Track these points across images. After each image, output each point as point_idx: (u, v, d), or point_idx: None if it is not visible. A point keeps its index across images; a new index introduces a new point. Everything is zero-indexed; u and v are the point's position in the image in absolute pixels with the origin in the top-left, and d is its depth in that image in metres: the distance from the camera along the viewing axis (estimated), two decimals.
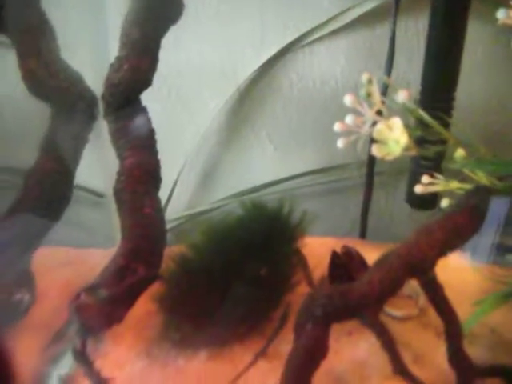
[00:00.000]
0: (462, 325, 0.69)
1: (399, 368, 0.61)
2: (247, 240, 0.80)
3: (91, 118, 0.89)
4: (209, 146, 1.18)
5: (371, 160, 1.09)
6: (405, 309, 0.82)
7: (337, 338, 0.77)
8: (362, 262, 0.84)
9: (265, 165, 1.19)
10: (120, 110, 0.85)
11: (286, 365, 0.63)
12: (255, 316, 0.77)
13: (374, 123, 0.70)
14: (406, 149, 0.70)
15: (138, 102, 0.86)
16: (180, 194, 1.19)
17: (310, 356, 0.63)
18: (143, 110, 0.86)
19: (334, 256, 0.84)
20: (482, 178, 0.77)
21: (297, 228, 0.86)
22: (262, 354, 0.70)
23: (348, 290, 0.65)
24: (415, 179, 0.86)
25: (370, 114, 0.69)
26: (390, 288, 0.65)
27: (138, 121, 0.85)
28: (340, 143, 0.71)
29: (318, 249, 0.90)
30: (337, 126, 0.70)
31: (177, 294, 0.76)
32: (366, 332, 0.78)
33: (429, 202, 0.93)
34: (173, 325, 0.77)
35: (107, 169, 1.14)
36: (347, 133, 0.70)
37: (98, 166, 1.14)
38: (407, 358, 0.74)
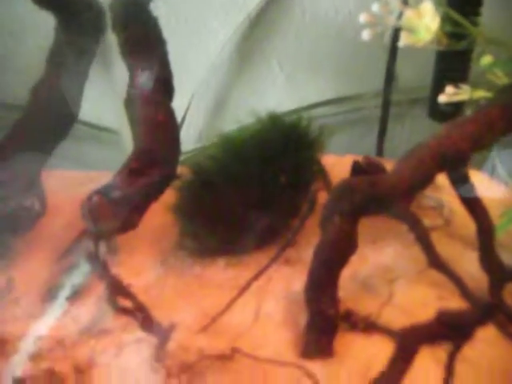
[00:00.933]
0: (493, 223, 0.66)
1: (434, 261, 0.58)
2: (265, 150, 0.77)
3: (99, 30, 0.85)
4: (219, 76, 1.14)
5: (387, 89, 1.06)
6: (430, 219, 0.79)
7: (361, 246, 0.74)
8: (383, 171, 0.81)
9: (276, 94, 1.15)
10: (129, 20, 0.81)
11: (312, 260, 0.60)
12: (275, 223, 0.74)
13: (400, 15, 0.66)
14: (437, 39, 0.67)
15: (148, 11, 0.82)
16: (189, 126, 1.16)
17: (337, 250, 0.60)
18: (154, 20, 0.82)
19: (356, 165, 0.80)
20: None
21: (315, 139, 0.82)
22: (280, 254, 0.67)
23: (377, 180, 0.61)
24: (438, 90, 0.83)
25: (396, 3, 0.65)
26: (420, 179, 0.62)
27: (149, 30, 0.81)
28: (365, 35, 0.68)
29: (336, 166, 0.87)
30: (362, 17, 0.66)
31: (193, 203, 0.73)
32: (390, 239, 0.76)
33: (451, 114, 0.89)
34: (189, 233, 0.73)
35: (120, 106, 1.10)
36: (373, 24, 0.67)
37: (109, 102, 1.10)
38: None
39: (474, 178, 0.86)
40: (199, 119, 1.16)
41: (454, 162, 0.63)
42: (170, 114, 0.77)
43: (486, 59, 0.75)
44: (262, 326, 0.61)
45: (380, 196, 0.60)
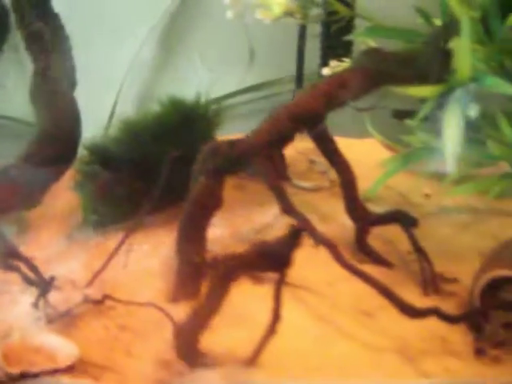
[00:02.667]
0: (355, 175, 0.73)
1: (286, 208, 0.64)
2: (162, 131, 0.83)
3: (4, 29, 0.92)
4: (144, 69, 1.21)
5: (299, 72, 1.12)
6: (317, 181, 0.86)
7: (248, 209, 0.80)
8: None
9: (199, 86, 1.22)
10: (31, 18, 0.88)
11: (181, 217, 0.67)
12: (167, 195, 0.80)
13: None
14: (290, 11, 0.74)
15: (50, 8, 0.89)
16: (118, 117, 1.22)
17: (202, 206, 0.66)
18: (55, 16, 0.89)
19: None
20: None
21: (212, 121, 0.89)
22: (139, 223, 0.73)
23: (236, 142, 0.68)
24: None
25: None
26: (277, 137, 0.68)
27: (51, 26, 0.88)
28: (229, 14, 0.75)
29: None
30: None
31: (92, 181, 0.79)
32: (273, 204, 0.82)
33: None
34: (91, 209, 0.80)
35: None
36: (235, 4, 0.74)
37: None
38: (315, 218, 0.79)
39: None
40: (127, 110, 1.23)
41: (310, 120, 0.69)
42: (71, 102, 0.84)
43: (358, 33, 0.82)
44: (142, 280, 0.68)
45: (240, 155, 0.67)
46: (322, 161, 0.90)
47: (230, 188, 0.84)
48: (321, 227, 0.76)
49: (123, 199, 0.78)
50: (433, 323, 0.58)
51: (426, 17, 0.77)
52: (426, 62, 0.70)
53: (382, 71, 0.73)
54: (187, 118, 0.86)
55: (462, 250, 0.75)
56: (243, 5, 0.73)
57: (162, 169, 0.71)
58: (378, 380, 0.55)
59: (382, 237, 0.75)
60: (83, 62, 1.13)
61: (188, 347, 0.52)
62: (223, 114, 0.90)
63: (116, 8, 1.17)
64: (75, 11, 1.11)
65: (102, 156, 0.81)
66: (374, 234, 0.74)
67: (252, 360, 0.53)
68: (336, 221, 0.76)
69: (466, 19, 0.62)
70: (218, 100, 1.17)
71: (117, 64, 1.20)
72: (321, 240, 0.60)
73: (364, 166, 0.85)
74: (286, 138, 0.69)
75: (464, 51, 0.63)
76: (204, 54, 1.20)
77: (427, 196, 0.86)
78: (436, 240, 0.77)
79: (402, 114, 0.85)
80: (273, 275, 0.58)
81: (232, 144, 0.68)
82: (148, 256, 0.73)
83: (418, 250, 0.69)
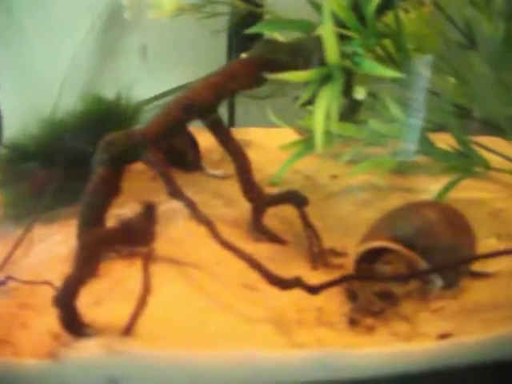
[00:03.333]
0: (249, 159, 0.77)
1: (173, 192, 0.69)
2: (83, 128, 0.88)
3: None
4: (83, 68, 1.25)
5: None
6: (229, 169, 0.90)
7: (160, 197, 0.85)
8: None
9: (139, 83, 1.26)
10: None
11: (80, 206, 0.72)
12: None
13: None
14: (184, 9, 0.78)
15: None
16: None
17: (99, 195, 0.71)
18: None
19: None
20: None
21: (132, 116, 0.93)
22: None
23: (132, 132, 0.72)
24: None
25: None
26: (167, 127, 0.72)
27: None
28: (127, 15, 0.79)
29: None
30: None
31: (10, 176, 0.84)
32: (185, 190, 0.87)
33: None
34: (10, 203, 0.84)
35: None
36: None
37: None
38: (220, 203, 0.83)
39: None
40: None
41: (201, 111, 0.74)
42: None
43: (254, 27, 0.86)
44: (49, 264, 0.72)
45: (134, 145, 0.71)
46: None
47: (147, 179, 0.90)
48: (224, 210, 0.82)
49: (40, 193, 0.83)
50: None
51: (318, 7, 0.81)
52: (310, 49, 0.75)
53: (272, 60, 0.77)
54: (107, 115, 0.91)
55: (359, 225, 0.79)
56: (139, 5, 0.77)
57: (62, 162, 0.75)
58: (247, 349, 0.58)
59: (280, 216, 0.79)
60: (23, 62, 1.18)
61: (69, 319, 0.56)
62: (143, 111, 0.95)
63: (54, 7, 1.21)
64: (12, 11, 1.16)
65: (22, 154, 0.86)
66: (272, 214, 0.79)
67: (128, 330, 0.57)
68: (240, 205, 0.80)
69: (326, 6, 0.66)
70: (156, 98, 1.22)
71: (56, 64, 1.24)
72: (201, 219, 0.65)
73: (278, 153, 0.91)
74: (177, 129, 0.73)
75: (329, 37, 0.68)
76: (143, 53, 1.24)
77: (333, 177, 0.90)
78: (337, 217, 0.82)
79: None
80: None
81: (127, 135, 0.72)
82: (59, 245, 0.77)
83: (308, 226, 0.74)
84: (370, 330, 0.62)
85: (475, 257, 0.66)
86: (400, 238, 0.66)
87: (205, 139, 0.89)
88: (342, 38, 0.74)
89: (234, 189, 0.87)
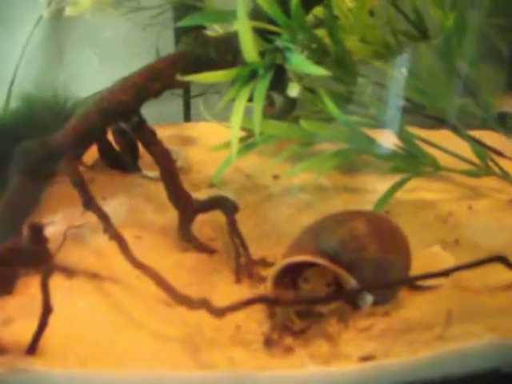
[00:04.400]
0: (174, 163, 0.73)
1: (87, 202, 0.65)
2: (18, 126, 0.84)
3: None
4: (34, 64, 1.20)
5: None
6: None
7: None
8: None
9: (92, 76, 1.21)
10: None
11: None
12: None
13: None
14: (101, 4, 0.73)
15: None
16: None
17: (16, 204, 0.67)
18: None
19: None
20: None
21: (71, 113, 0.89)
22: None
23: (47, 141, 0.68)
24: None
25: None
26: (84, 133, 0.68)
27: None
28: (45, 13, 0.74)
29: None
30: None
31: None
32: (119, 194, 0.83)
33: None
34: None
35: None
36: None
37: None
38: (151, 208, 0.79)
39: None
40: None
41: (119, 114, 0.69)
42: None
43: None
44: None
45: (49, 154, 0.67)
46: (177, 149, 0.91)
47: None
48: (154, 217, 0.78)
49: None
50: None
51: None
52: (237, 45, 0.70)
53: (199, 57, 0.72)
54: (43, 113, 0.87)
55: (294, 231, 0.74)
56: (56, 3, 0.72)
57: None
58: (152, 369, 0.55)
59: (211, 222, 0.75)
60: None
61: None
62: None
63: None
64: None
65: None
66: (203, 220, 0.75)
67: (31, 349, 0.54)
68: (171, 211, 0.76)
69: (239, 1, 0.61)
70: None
71: (6, 57, 1.20)
72: (111, 233, 0.61)
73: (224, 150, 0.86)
74: (94, 135, 0.69)
75: (244, 32, 0.62)
76: (96, 47, 1.19)
77: (276, 177, 0.86)
78: (273, 222, 0.78)
79: None
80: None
81: (42, 143, 0.68)
82: None
83: (235, 235, 0.70)
84: (288, 350, 0.57)
85: (400, 281, 0.62)
86: (325, 251, 0.62)
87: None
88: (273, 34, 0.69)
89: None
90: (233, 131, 0.66)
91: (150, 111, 1.18)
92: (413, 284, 0.65)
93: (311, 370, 0.55)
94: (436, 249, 0.71)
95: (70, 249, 0.70)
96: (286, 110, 0.79)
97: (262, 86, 0.66)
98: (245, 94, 0.64)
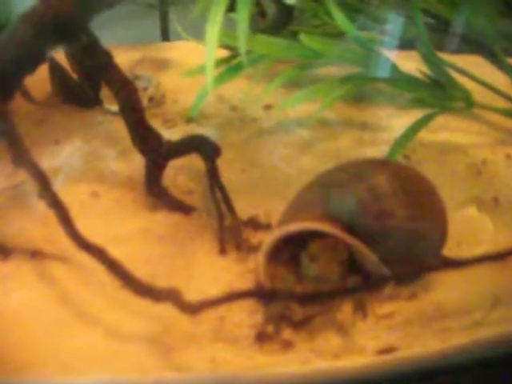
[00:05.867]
0: (137, 94, 0.56)
1: (18, 157, 0.49)
2: None
3: None
4: None
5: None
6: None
7: (42, 148, 0.64)
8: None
9: None
10: None
11: None
12: None
13: None
14: None
15: None
16: None
17: None
18: None
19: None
20: None
21: None
22: None
23: None
24: None
25: None
26: (13, 61, 0.51)
27: None
28: None
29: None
30: None
31: None
32: (74, 137, 0.67)
33: None
34: None
35: None
36: None
37: None
38: (113, 152, 0.64)
39: None
40: None
41: (59, 30, 0.52)
42: None
43: None
44: None
45: None
46: (149, 75, 0.74)
47: (34, 123, 0.69)
48: (117, 165, 0.63)
49: None
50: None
51: None
52: None
53: None
54: None
55: (292, 180, 0.60)
56: None
57: None
58: (110, 375, 0.41)
59: (189, 169, 0.60)
60: None
61: None
62: None
63: None
64: None
65: None
66: (178, 167, 0.59)
67: None
68: (140, 156, 0.60)
69: None
70: None
71: None
72: (50, 200, 0.45)
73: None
74: (26, 62, 0.52)
75: None
76: None
77: (268, 108, 0.69)
78: (266, 166, 0.62)
79: None
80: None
81: None
82: None
83: (217, 188, 0.54)
84: (287, 346, 0.44)
85: (436, 266, 0.47)
86: (336, 215, 0.47)
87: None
88: None
89: None
90: (207, 49, 0.49)
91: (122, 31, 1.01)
92: (444, 259, 0.51)
93: (316, 367, 0.42)
94: (471, 211, 0.57)
95: (6, 217, 0.55)
96: (280, 22, 0.63)
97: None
98: None
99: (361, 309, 0.46)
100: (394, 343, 0.43)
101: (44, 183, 0.46)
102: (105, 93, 0.70)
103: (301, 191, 0.50)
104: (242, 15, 0.48)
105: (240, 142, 0.65)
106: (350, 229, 0.46)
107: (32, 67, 0.52)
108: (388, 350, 0.43)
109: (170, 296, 0.40)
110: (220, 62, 0.65)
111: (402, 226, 0.46)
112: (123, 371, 0.42)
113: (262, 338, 0.44)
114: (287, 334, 0.45)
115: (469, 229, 0.54)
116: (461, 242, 0.53)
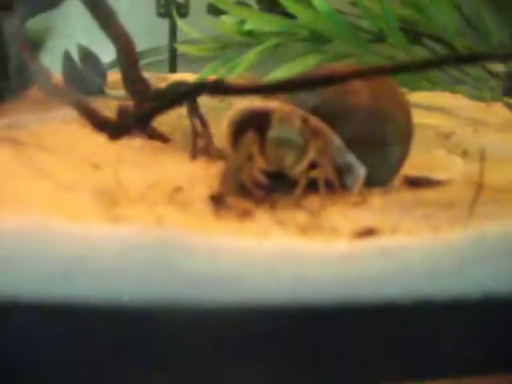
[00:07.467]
0: (132, 40, 0.60)
1: None
2: None
3: None
4: None
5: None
6: None
7: None
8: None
9: None
10: None
11: None
12: None
13: None
14: None
15: None
16: None
17: None
18: None
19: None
20: None
21: None
22: None
23: None
24: None
25: None
26: None
27: None
28: None
29: None
30: None
31: None
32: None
33: None
34: None
35: None
36: None
37: None
38: None
39: None
40: None
41: None
42: None
43: None
44: None
45: None
46: None
47: None
48: None
49: None
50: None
51: None
52: None
53: None
54: None
55: None
56: None
57: None
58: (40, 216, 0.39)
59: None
60: None
61: None
62: None
63: None
64: None
65: None
66: None
67: None
68: None
69: None
70: None
71: None
72: None
73: None
74: None
75: None
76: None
77: None
78: None
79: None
80: None
81: None
82: None
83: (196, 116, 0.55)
84: (244, 214, 0.40)
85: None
86: (301, 102, 0.47)
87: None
88: None
89: None
90: None
91: None
92: (411, 179, 0.50)
93: (279, 240, 0.36)
94: (441, 152, 0.56)
95: None
96: None
97: None
98: None
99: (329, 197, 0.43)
100: (374, 225, 0.38)
101: None
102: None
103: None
104: None
105: None
106: (314, 113, 0.46)
107: None
108: (367, 232, 0.37)
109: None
110: None
111: (366, 104, 0.45)
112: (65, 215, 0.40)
113: (217, 201, 0.42)
114: (247, 205, 0.42)
115: (441, 163, 0.53)
116: (432, 170, 0.51)
